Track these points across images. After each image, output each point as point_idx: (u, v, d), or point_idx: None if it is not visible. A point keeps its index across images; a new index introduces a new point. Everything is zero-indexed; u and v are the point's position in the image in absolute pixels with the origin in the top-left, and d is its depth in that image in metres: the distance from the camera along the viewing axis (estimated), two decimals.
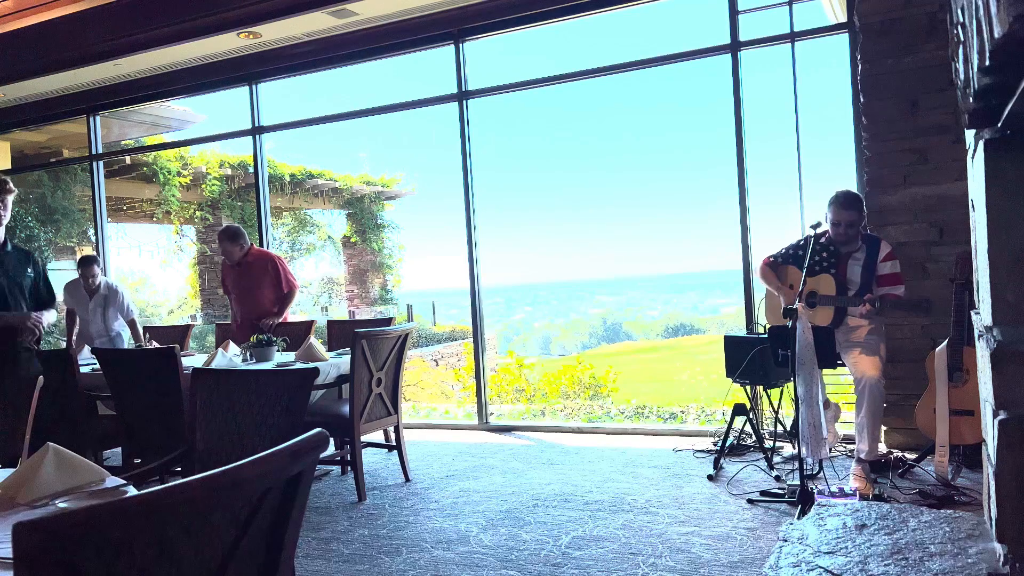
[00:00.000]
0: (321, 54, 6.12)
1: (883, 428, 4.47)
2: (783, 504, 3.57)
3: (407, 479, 4.42)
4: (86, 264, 5.86)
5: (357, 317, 11.85)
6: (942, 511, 2.35)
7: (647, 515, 3.59)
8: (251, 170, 7.70)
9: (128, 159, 9.84)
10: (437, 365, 12.04)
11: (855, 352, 3.90)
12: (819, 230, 3.83)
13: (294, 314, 13.50)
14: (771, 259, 4.26)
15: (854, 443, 4.05)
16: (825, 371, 4.11)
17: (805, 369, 3.43)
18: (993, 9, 1.11)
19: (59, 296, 5.50)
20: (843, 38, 4.68)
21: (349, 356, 4.13)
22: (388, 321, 5.36)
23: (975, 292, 2.03)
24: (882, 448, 4.38)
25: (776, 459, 4.30)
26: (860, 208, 3.95)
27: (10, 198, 3.60)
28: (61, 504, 1.74)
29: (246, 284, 5.48)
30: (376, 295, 13.52)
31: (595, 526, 3.48)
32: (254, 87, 6.53)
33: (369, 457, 4.92)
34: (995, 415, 1.64)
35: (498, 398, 8.58)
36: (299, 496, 1.34)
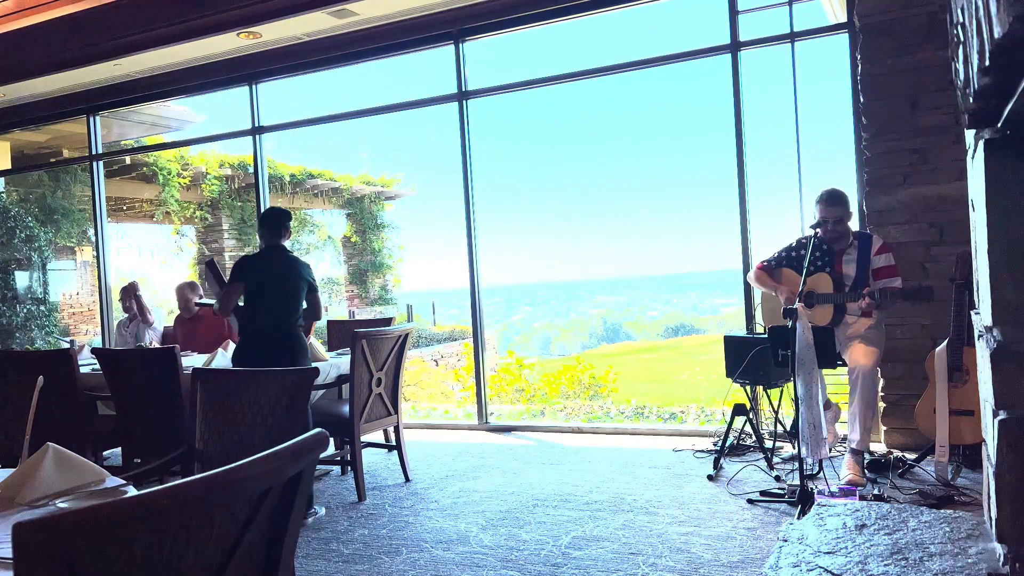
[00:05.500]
0: (321, 54, 6.12)
1: (883, 428, 4.47)
2: (783, 504, 3.57)
3: (407, 479, 4.42)
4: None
5: (357, 317, 11.85)
6: (942, 511, 2.35)
7: (647, 515, 3.59)
8: (251, 170, 7.70)
9: (128, 159, 9.83)
10: (437, 365, 12.04)
11: (853, 344, 3.91)
12: (818, 230, 3.86)
13: None
14: (765, 263, 4.26)
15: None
16: (825, 371, 4.11)
17: (805, 369, 3.43)
18: (993, 9, 1.11)
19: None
20: (843, 38, 4.68)
21: (349, 356, 4.13)
22: (388, 321, 5.36)
23: (975, 292, 2.03)
24: (882, 448, 4.38)
25: (776, 459, 4.30)
26: (845, 203, 4.00)
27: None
28: (61, 504, 1.74)
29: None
30: (376, 295, 13.51)
31: (595, 526, 3.47)
32: (254, 87, 6.52)
33: (369, 457, 4.92)
34: (995, 415, 1.64)
35: (498, 398, 8.58)
36: (299, 496, 1.34)
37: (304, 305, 4.22)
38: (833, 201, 3.96)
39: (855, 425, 3.83)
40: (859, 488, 3.59)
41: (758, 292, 4.61)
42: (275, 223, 4.24)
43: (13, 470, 1.90)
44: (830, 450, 4.01)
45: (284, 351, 4.04)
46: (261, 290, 4.12)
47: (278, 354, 3.98)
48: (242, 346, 4.15)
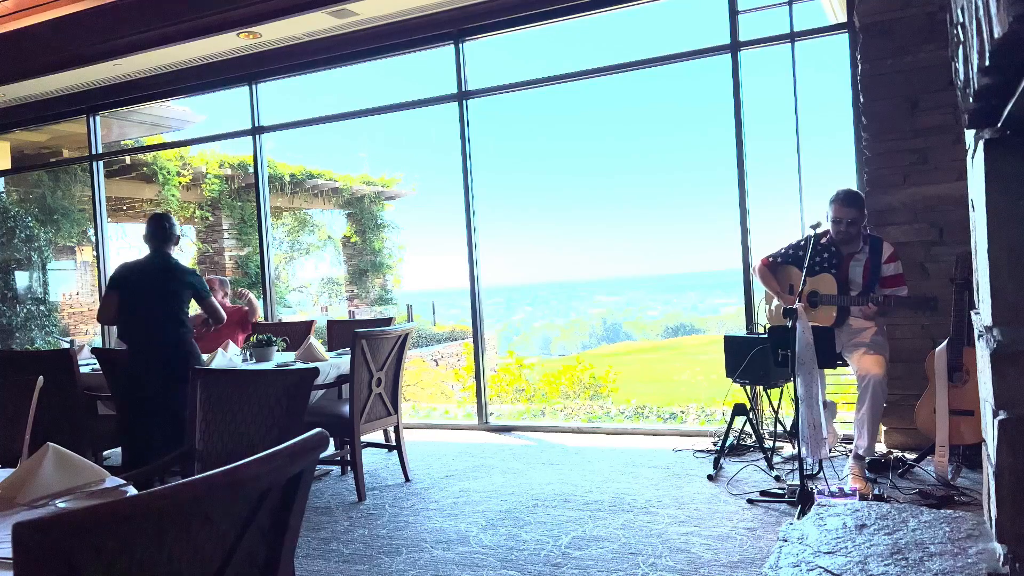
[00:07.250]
0: (321, 54, 6.12)
1: (883, 428, 4.47)
2: (783, 504, 3.57)
3: (407, 479, 4.42)
4: None
5: (357, 317, 11.85)
6: (942, 511, 2.35)
7: (647, 515, 3.59)
8: (251, 170, 7.70)
9: (128, 159, 9.84)
10: (437, 365, 12.04)
11: (859, 352, 3.89)
12: (819, 230, 3.82)
13: (294, 314, 13.47)
14: (770, 259, 4.24)
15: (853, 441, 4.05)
16: (825, 371, 4.11)
17: (805, 369, 3.43)
18: (993, 9, 1.11)
19: None
20: (843, 38, 4.67)
21: (349, 356, 4.13)
22: (388, 321, 5.36)
23: (975, 292, 2.03)
24: (882, 448, 4.38)
25: (776, 459, 4.30)
26: (861, 206, 3.93)
27: None
28: (61, 504, 1.74)
29: None
30: (376, 295, 13.52)
31: (595, 526, 3.47)
32: (254, 87, 6.52)
33: (369, 457, 4.92)
34: (995, 415, 1.64)
35: (498, 398, 8.58)
36: (299, 496, 1.34)
37: (189, 312, 4.21)
38: (849, 202, 3.89)
39: (863, 432, 3.81)
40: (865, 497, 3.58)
41: (759, 292, 4.61)
42: (156, 231, 4.16)
43: (13, 470, 1.90)
44: (830, 450, 4.01)
45: (173, 358, 4.03)
46: (138, 298, 4.06)
47: (171, 361, 4.00)
48: (126, 354, 4.09)
